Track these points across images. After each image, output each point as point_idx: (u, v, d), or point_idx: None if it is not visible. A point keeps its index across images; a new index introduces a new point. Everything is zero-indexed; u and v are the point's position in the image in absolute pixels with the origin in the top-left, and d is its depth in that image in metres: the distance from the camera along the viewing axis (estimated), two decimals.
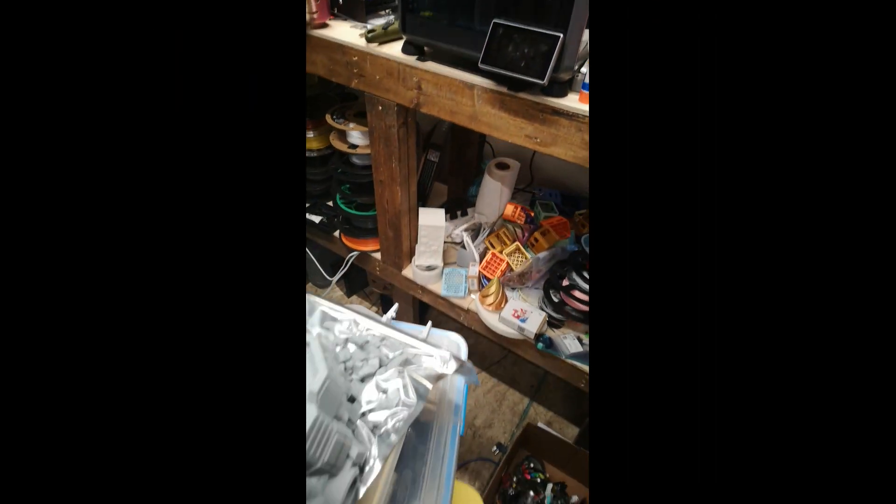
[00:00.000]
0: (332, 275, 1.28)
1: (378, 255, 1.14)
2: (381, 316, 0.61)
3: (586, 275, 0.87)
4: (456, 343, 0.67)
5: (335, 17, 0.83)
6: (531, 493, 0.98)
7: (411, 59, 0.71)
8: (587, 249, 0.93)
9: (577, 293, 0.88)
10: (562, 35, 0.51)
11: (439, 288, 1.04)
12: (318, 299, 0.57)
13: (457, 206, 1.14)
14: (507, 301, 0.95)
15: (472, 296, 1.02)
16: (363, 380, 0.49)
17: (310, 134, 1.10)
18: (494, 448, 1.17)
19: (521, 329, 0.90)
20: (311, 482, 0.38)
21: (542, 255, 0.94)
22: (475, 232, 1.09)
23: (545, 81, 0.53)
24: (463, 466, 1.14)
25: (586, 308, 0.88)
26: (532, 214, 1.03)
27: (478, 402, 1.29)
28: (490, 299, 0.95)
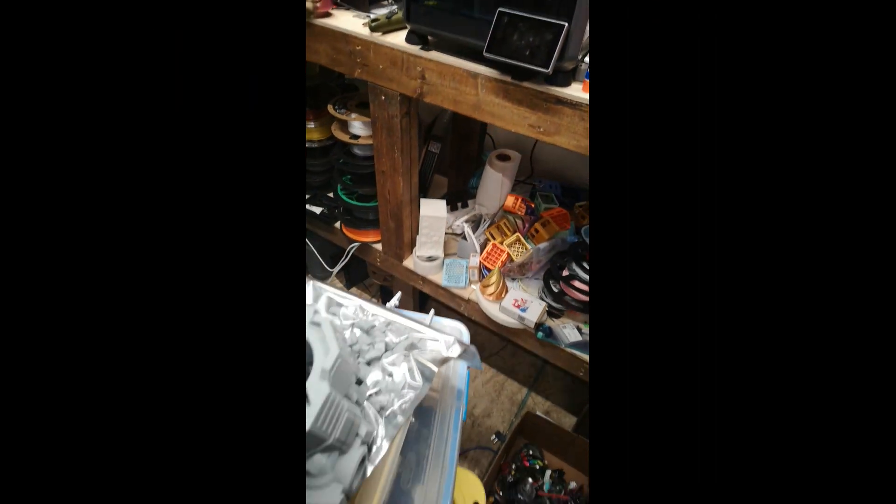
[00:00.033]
0: (333, 266, 1.28)
1: (379, 246, 1.14)
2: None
3: (586, 265, 0.88)
4: (458, 329, 0.68)
5: (338, 6, 0.83)
6: (530, 479, 1.00)
7: (415, 49, 0.71)
8: (587, 240, 0.94)
9: (576, 283, 0.89)
10: (567, 24, 0.52)
11: (440, 278, 1.05)
12: (323, 286, 0.58)
13: (457, 198, 1.15)
14: (507, 291, 0.96)
15: (473, 286, 1.03)
16: (369, 363, 0.50)
17: (310, 124, 1.10)
18: (493, 437, 1.19)
19: (521, 318, 0.91)
20: (321, 459, 0.39)
21: (542, 245, 0.95)
22: (476, 223, 1.10)
23: (550, 70, 0.54)
24: (462, 455, 1.16)
25: (586, 298, 0.89)
26: (532, 206, 1.04)
27: (477, 391, 1.31)
28: (491, 289, 0.96)
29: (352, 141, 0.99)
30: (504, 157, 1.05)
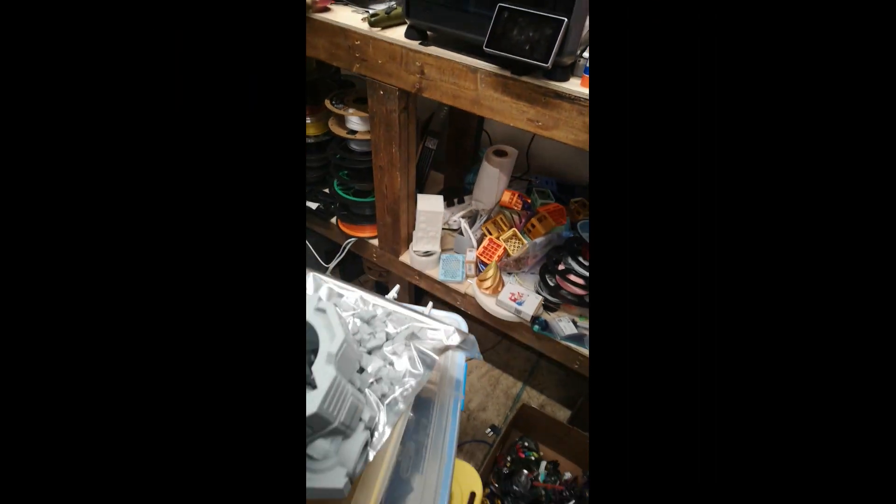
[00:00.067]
0: (328, 262, 1.29)
1: (375, 242, 1.15)
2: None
3: (581, 259, 0.90)
4: (456, 320, 0.69)
5: (336, 1, 0.83)
6: (525, 471, 1.01)
7: (414, 44, 0.71)
8: (582, 235, 0.96)
9: (572, 277, 0.91)
10: (566, 19, 0.53)
11: (437, 273, 1.06)
12: (323, 277, 0.58)
13: (454, 194, 1.16)
14: (504, 285, 0.97)
15: (470, 280, 1.04)
16: (370, 352, 0.50)
17: (307, 120, 1.10)
18: (488, 430, 1.20)
19: (517, 312, 0.93)
20: (325, 444, 0.39)
21: (538, 240, 0.96)
22: (472, 219, 1.11)
23: (549, 65, 0.55)
24: (458, 448, 1.17)
25: (581, 292, 0.91)
26: (529, 201, 1.05)
27: (472, 386, 1.32)
28: (487, 283, 0.97)
29: (349, 136, 0.99)
30: (501, 153, 1.06)
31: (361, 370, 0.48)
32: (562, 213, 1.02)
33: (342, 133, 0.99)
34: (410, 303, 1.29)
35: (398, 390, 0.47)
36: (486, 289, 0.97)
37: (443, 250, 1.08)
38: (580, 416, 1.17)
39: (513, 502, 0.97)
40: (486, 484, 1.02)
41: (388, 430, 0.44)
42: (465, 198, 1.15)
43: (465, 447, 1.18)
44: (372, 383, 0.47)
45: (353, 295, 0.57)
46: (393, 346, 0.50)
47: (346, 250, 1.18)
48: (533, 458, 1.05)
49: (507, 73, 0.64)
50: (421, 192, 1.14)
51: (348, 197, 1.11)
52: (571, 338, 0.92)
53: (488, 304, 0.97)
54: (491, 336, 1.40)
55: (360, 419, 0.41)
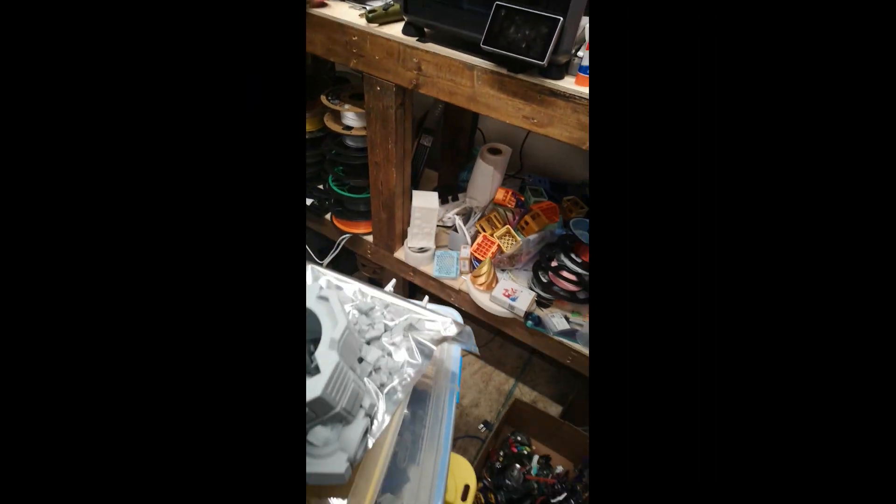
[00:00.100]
0: (322, 259, 1.28)
1: (370, 238, 1.15)
2: None
3: (574, 256, 0.91)
4: (452, 313, 0.70)
5: None
6: (517, 465, 1.02)
7: (412, 40, 0.72)
8: (575, 233, 0.97)
9: (565, 273, 0.92)
10: (562, 18, 0.54)
11: (431, 269, 1.06)
12: (321, 269, 0.59)
13: (448, 192, 1.17)
14: (497, 281, 0.99)
15: (464, 277, 1.05)
16: (369, 342, 0.51)
17: None
18: (481, 426, 1.21)
19: (511, 307, 0.94)
20: (325, 432, 0.40)
21: (531, 237, 0.98)
22: (466, 216, 1.12)
23: (545, 63, 0.56)
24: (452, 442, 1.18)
25: (574, 288, 0.92)
26: (522, 199, 1.07)
27: (465, 382, 1.32)
28: (481, 279, 0.98)
29: (345, 132, 0.99)
30: (495, 151, 1.07)
31: (360, 360, 0.48)
32: (555, 211, 1.04)
33: (338, 129, 1.00)
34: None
35: (397, 380, 0.48)
36: (481, 285, 0.98)
37: (437, 247, 1.09)
38: (571, 411, 1.19)
39: (506, 496, 0.98)
40: (479, 478, 1.03)
41: (387, 418, 0.45)
42: (460, 195, 1.16)
43: (459, 443, 1.19)
44: (371, 373, 0.48)
45: (351, 287, 0.58)
46: (391, 337, 0.51)
47: (340, 246, 1.18)
48: (525, 452, 1.07)
49: (504, 71, 0.65)
50: (416, 189, 1.14)
51: (343, 193, 1.11)
52: (564, 333, 0.94)
53: (482, 299, 0.98)
54: (484, 333, 1.41)
55: (361, 406, 0.42)
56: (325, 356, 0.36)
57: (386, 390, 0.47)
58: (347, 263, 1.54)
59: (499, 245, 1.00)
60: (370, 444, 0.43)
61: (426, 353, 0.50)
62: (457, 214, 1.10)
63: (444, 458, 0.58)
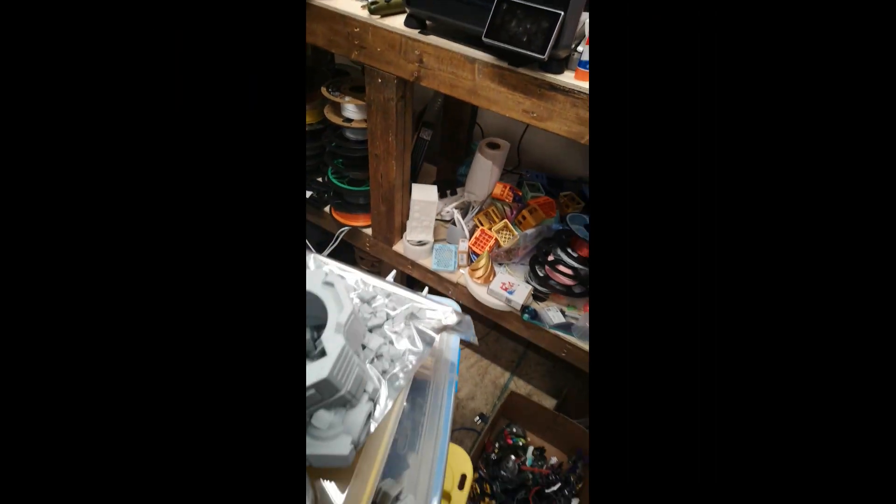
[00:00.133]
0: (320, 252, 1.29)
1: (369, 231, 1.15)
2: None
3: (570, 251, 0.92)
4: (451, 304, 0.71)
5: None
6: (512, 456, 1.04)
7: (413, 33, 0.73)
8: (572, 227, 0.98)
9: (561, 268, 0.93)
10: (562, 13, 0.55)
11: (429, 263, 1.07)
12: (323, 258, 0.59)
13: (447, 186, 1.17)
14: (495, 275, 1.00)
15: (462, 270, 1.05)
16: (371, 330, 0.52)
17: None
18: (477, 418, 1.22)
19: (508, 301, 0.95)
20: (329, 416, 0.41)
21: (529, 231, 0.99)
22: (464, 210, 1.13)
23: (545, 57, 0.57)
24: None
25: (570, 282, 0.94)
26: (520, 194, 1.08)
27: (461, 376, 1.34)
28: (479, 273, 0.99)
29: (345, 124, 0.99)
30: (494, 146, 1.08)
31: (363, 347, 0.49)
32: (552, 206, 1.05)
33: (338, 121, 1.00)
34: None
35: (398, 366, 0.48)
36: (478, 278, 0.99)
37: (436, 240, 1.10)
38: (565, 404, 1.20)
39: (501, 486, 1.00)
40: (475, 469, 1.04)
41: (389, 403, 0.46)
42: (458, 189, 1.17)
43: (455, 435, 1.20)
44: (373, 360, 0.49)
45: (353, 276, 0.58)
46: (393, 325, 0.52)
47: (339, 239, 1.19)
48: (520, 444, 1.08)
49: (504, 65, 0.66)
50: (415, 182, 1.15)
51: (343, 185, 1.11)
52: (560, 326, 0.95)
53: (480, 292, 0.99)
54: (480, 327, 1.42)
55: (365, 391, 0.43)
56: (332, 339, 0.37)
57: (388, 376, 0.48)
58: (346, 256, 1.54)
59: (496, 239, 1.01)
60: (373, 428, 0.44)
61: (427, 341, 0.50)
62: (455, 208, 1.11)
63: (443, 445, 0.59)
